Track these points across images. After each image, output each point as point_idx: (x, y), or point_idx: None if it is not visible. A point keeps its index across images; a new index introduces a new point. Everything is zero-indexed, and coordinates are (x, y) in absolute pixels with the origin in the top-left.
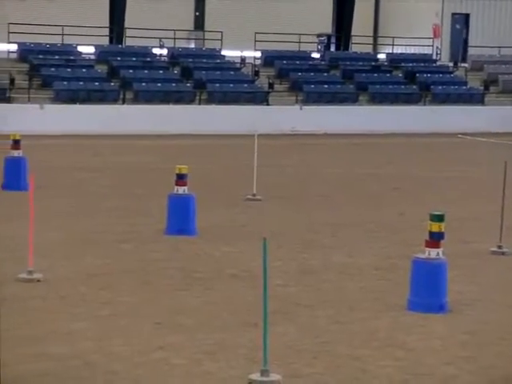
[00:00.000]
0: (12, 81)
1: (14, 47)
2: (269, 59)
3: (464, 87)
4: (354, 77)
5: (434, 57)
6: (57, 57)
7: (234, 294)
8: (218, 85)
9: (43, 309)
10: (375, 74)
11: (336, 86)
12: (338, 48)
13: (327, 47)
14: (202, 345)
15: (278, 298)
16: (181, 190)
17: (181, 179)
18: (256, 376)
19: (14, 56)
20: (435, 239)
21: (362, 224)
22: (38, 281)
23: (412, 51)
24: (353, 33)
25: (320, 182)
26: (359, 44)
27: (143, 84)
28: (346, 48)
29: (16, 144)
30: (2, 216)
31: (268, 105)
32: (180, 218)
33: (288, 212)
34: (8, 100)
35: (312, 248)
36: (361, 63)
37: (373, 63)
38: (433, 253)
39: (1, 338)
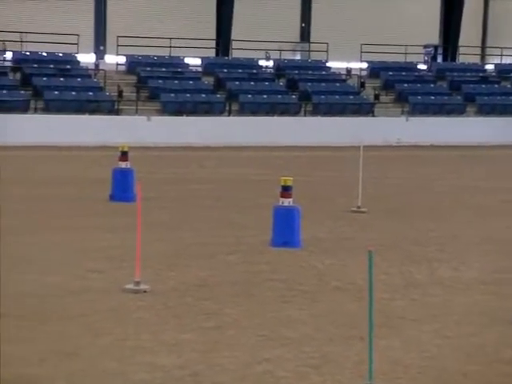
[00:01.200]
0: (120, 93)
1: (122, 60)
2: (375, 70)
3: None
4: (462, 88)
5: None
6: (164, 69)
7: (338, 306)
8: (323, 96)
9: (150, 319)
10: (483, 85)
11: (443, 98)
12: (444, 59)
13: (434, 58)
14: (307, 358)
15: (383, 312)
16: (286, 201)
17: (286, 191)
18: None
19: (123, 68)
20: None
21: (470, 237)
22: (145, 291)
23: None
24: (460, 43)
25: (426, 194)
26: (467, 54)
27: (249, 96)
28: (453, 59)
29: (124, 155)
30: (110, 227)
31: (374, 116)
32: (285, 230)
33: (393, 224)
34: (116, 112)
35: (418, 261)
36: (468, 74)
37: (481, 74)
38: None
39: (112, 347)
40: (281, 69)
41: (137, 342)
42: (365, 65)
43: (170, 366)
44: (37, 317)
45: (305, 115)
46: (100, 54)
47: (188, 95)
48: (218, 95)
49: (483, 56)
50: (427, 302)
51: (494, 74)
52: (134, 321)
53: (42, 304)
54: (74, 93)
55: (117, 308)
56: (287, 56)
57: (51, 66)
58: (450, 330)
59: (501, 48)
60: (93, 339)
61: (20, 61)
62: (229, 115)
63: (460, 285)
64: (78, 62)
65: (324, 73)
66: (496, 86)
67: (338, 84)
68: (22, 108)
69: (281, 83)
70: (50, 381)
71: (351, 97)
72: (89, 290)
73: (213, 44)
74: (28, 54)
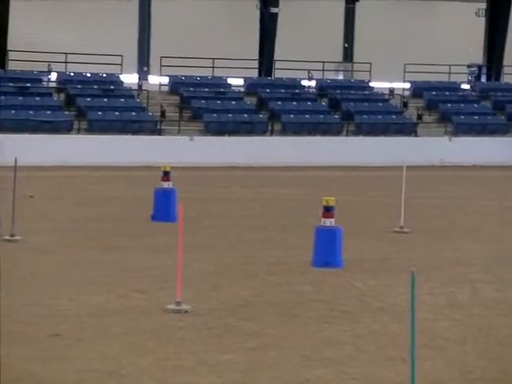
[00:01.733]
0: (163, 113)
1: (165, 80)
2: (418, 90)
3: None
4: (506, 108)
5: None
6: (207, 89)
7: (380, 327)
8: (365, 116)
9: (191, 339)
10: None
11: (486, 118)
12: (488, 78)
13: (478, 78)
14: (349, 379)
15: (425, 332)
16: (328, 222)
17: (328, 211)
18: None
19: (166, 89)
20: None
21: None
22: (186, 312)
23: None
24: (504, 63)
25: (469, 215)
26: (511, 74)
27: (291, 116)
28: (497, 78)
29: (166, 175)
30: (152, 247)
31: (416, 136)
32: (327, 250)
33: (436, 245)
34: (159, 132)
35: (461, 282)
36: None
37: None
38: None
39: (153, 367)
40: (323, 89)
41: (178, 361)
42: (408, 85)
43: None
44: (77, 336)
45: (347, 135)
46: (143, 75)
47: (230, 115)
48: (261, 115)
49: None
50: (470, 323)
51: None
52: (175, 341)
53: (83, 323)
54: (117, 113)
55: (158, 328)
56: (330, 76)
57: (95, 86)
58: (494, 351)
59: None
60: (134, 359)
61: (64, 81)
62: (271, 135)
63: (503, 305)
64: (122, 83)
65: (367, 92)
66: None
67: (380, 104)
68: (65, 128)
69: (323, 103)
70: None
71: (394, 116)
72: (130, 310)
73: (255, 64)
74: (72, 74)
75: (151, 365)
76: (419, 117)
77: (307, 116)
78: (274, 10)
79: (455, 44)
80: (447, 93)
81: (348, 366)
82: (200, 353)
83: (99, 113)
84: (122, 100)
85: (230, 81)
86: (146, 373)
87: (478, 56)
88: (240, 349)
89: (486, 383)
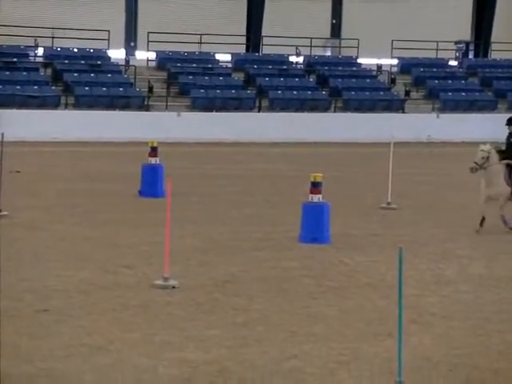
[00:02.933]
0: (150, 89)
1: (152, 56)
2: (405, 67)
3: None
4: (493, 84)
5: None
6: (194, 65)
7: (367, 303)
8: (353, 93)
9: (179, 315)
10: None
11: (474, 94)
12: (476, 55)
13: (465, 54)
14: (336, 354)
15: (413, 308)
16: (315, 198)
17: (315, 187)
18: None
19: (153, 64)
20: None
21: (500, 234)
22: (174, 287)
23: None
24: (492, 39)
25: (457, 191)
26: (498, 51)
27: (279, 92)
28: (485, 55)
29: (153, 151)
30: (139, 222)
31: (404, 112)
32: (314, 226)
33: (424, 221)
34: (146, 108)
35: (448, 258)
36: (500, 70)
37: None
38: None
39: (141, 342)
40: (311, 65)
41: (165, 337)
42: (395, 61)
43: (199, 362)
44: (65, 311)
45: (335, 111)
46: (130, 50)
47: (218, 91)
48: (248, 91)
49: None
50: (458, 299)
51: None
52: (163, 316)
53: (71, 299)
54: (104, 88)
55: (146, 304)
56: (318, 52)
57: (82, 61)
58: (481, 327)
59: None
60: (122, 334)
61: (51, 56)
62: (259, 111)
63: (490, 282)
64: (109, 58)
65: (354, 69)
66: None
67: (368, 80)
68: (52, 104)
69: (311, 79)
70: (78, 375)
71: (382, 93)
72: (118, 286)
73: (243, 40)
74: (59, 49)
75: (139, 340)
76: (407, 93)
77: (295, 92)
78: None
79: (443, 20)
80: (435, 69)
81: (336, 341)
82: (188, 328)
83: (86, 88)
84: (110, 75)
85: (218, 56)
86: (133, 348)
87: (465, 33)
88: (228, 324)
89: (472, 359)
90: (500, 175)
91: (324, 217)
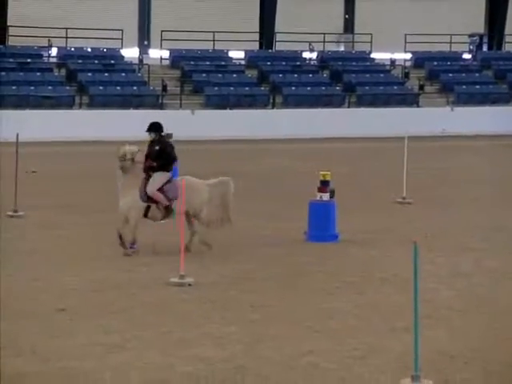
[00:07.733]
0: (164, 87)
1: (166, 54)
2: (419, 61)
3: None
4: (507, 77)
5: None
6: (208, 63)
7: (383, 297)
8: (367, 87)
9: (194, 312)
10: None
11: (488, 87)
12: (490, 48)
13: (479, 47)
14: (352, 349)
15: (429, 302)
16: (324, 196)
17: (324, 185)
18: (407, 382)
19: (167, 63)
20: None
21: None
22: (189, 285)
23: None
24: (506, 32)
25: (472, 185)
26: None
27: (293, 88)
28: (499, 48)
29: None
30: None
31: (418, 107)
32: (320, 224)
33: (439, 215)
34: (160, 106)
35: (464, 251)
36: None
37: None
38: None
39: (157, 340)
40: (324, 60)
41: (181, 334)
42: (409, 55)
43: (215, 359)
44: (81, 310)
45: (349, 107)
46: (144, 49)
47: (232, 88)
48: (262, 88)
49: None
50: (473, 293)
51: None
52: (179, 314)
53: (87, 298)
54: (118, 88)
55: (162, 301)
56: (331, 48)
57: (95, 61)
58: (497, 320)
59: None
60: (138, 332)
61: (65, 57)
62: (272, 108)
63: (506, 275)
64: (122, 57)
65: (368, 64)
66: None
67: (382, 75)
68: (67, 104)
69: (325, 75)
70: (94, 374)
71: (395, 87)
72: (134, 284)
73: (256, 37)
74: (73, 49)
75: (155, 338)
76: (421, 87)
77: (308, 88)
78: None
79: (456, 14)
80: (449, 63)
81: (351, 336)
82: (204, 325)
83: (100, 88)
84: (123, 74)
85: (231, 54)
86: (150, 346)
87: (479, 25)
88: (243, 321)
89: (488, 352)
90: None
91: (330, 215)
